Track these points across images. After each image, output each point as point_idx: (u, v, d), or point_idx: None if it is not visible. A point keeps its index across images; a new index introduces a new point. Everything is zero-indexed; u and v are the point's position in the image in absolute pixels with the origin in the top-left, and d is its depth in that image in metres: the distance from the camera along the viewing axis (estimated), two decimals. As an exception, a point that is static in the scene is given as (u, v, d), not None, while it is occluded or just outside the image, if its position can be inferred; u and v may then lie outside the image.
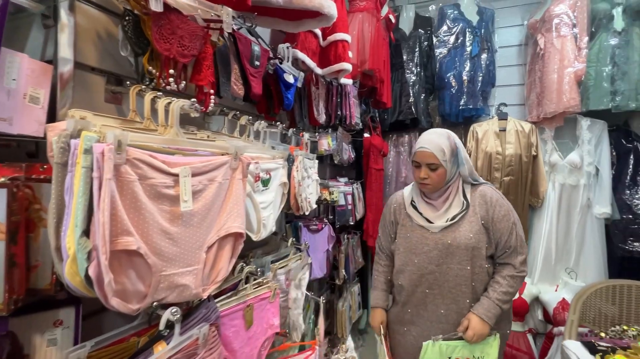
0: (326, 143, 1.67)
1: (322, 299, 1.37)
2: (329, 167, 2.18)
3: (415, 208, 1.22)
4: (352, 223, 2.03)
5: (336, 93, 1.87)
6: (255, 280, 1.09)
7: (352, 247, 2.16)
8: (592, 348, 1.41)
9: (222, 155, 0.83)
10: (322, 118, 1.64)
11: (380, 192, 2.43)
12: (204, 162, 0.76)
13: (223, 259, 0.83)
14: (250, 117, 1.11)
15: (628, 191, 2.12)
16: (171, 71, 0.80)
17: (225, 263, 0.83)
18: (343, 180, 2.15)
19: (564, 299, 2.11)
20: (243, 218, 0.86)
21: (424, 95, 2.53)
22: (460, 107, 2.35)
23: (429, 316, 1.19)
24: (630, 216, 2.09)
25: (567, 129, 2.28)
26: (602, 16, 2.10)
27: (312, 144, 1.69)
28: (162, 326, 0.68)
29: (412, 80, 2.54)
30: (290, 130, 1.41)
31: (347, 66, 1.45)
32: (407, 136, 2.68)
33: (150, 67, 0.78)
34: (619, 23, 2.04)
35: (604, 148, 2.15)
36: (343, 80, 1.69)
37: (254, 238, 1.03)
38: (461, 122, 2.47)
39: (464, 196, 1.18)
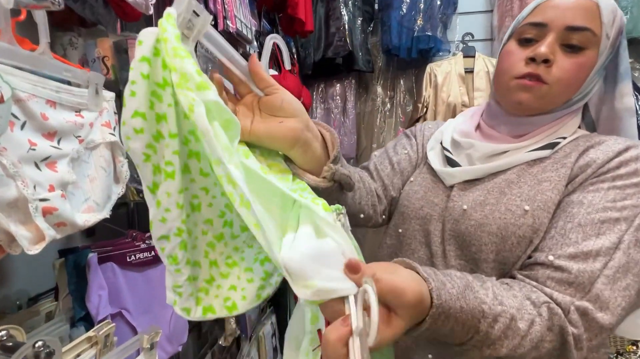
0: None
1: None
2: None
3: (446, 149, 0.57)
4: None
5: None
6: None
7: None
8: None
9: None
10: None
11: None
12: None
13: None
14: None
15: None
16: None
17: None
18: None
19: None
20: None
21: (360, 20, 1.69)
22: (415, 34, 1.57)
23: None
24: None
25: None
26: None
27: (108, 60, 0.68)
28: None
29: (343, -3, 1.68)
30: None
31: None
32: (339, 85, 1.83)
33: None
34: None
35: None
36: None
37: None
38: (414, 60, 1.70)
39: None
